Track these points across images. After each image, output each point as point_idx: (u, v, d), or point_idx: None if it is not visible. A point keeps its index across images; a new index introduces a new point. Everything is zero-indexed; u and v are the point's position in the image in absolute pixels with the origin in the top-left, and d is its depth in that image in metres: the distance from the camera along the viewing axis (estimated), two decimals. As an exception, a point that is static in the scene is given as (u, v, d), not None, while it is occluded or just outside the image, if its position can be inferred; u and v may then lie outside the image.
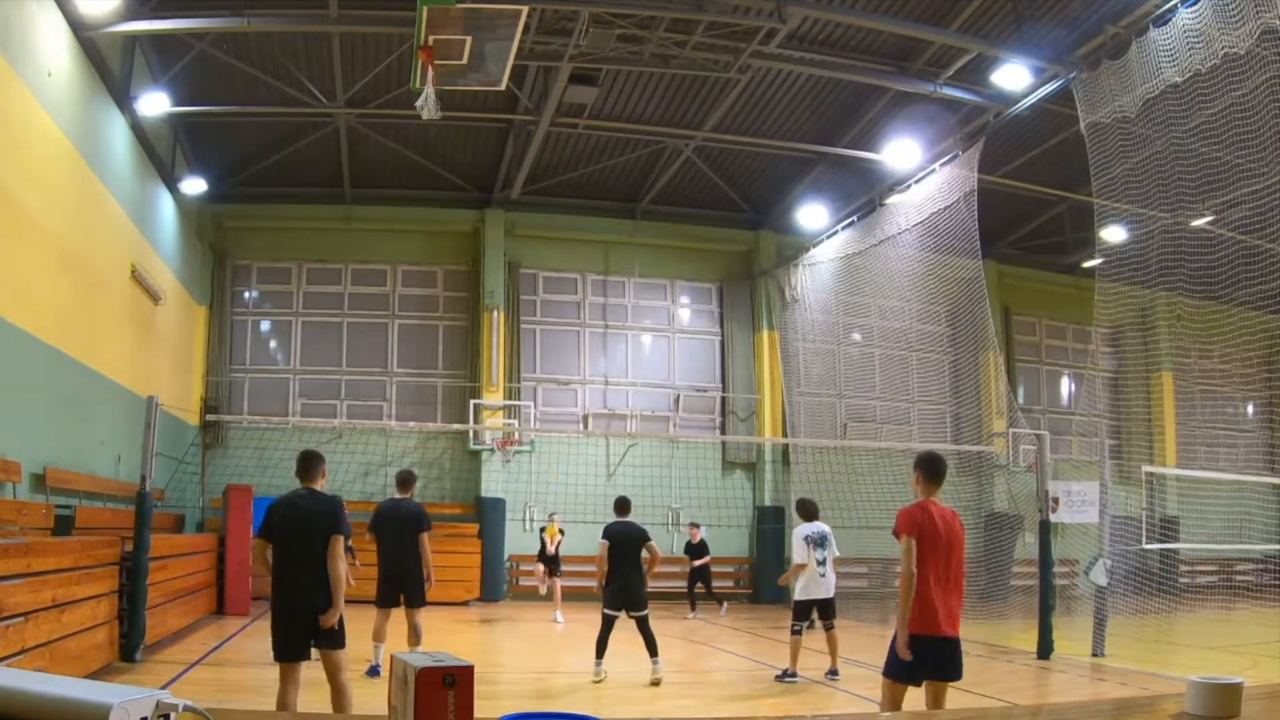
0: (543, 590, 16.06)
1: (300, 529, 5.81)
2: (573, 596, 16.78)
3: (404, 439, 18.48)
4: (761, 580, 19.20)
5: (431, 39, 9.20)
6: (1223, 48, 9.61)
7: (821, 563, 9.54)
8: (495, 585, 17.94)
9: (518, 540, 18.16)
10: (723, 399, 20.29)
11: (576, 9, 12.43)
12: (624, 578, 8.86)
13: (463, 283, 19.75)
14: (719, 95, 15.73)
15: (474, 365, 19.13)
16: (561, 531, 15.82)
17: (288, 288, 19.37)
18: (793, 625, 9.61)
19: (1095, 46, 12.06)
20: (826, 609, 9.65)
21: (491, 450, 18.63)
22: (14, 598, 6.26)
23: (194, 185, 16.59)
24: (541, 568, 15.93)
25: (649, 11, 12.64)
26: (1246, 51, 9.52)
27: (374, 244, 19.40)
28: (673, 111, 16.57)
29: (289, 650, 5.73)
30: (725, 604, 17.01)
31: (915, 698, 5.32)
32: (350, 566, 7.33)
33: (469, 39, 9.29)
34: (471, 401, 18.07)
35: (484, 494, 18.41)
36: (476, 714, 1.56)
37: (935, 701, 5.19)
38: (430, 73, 9.50)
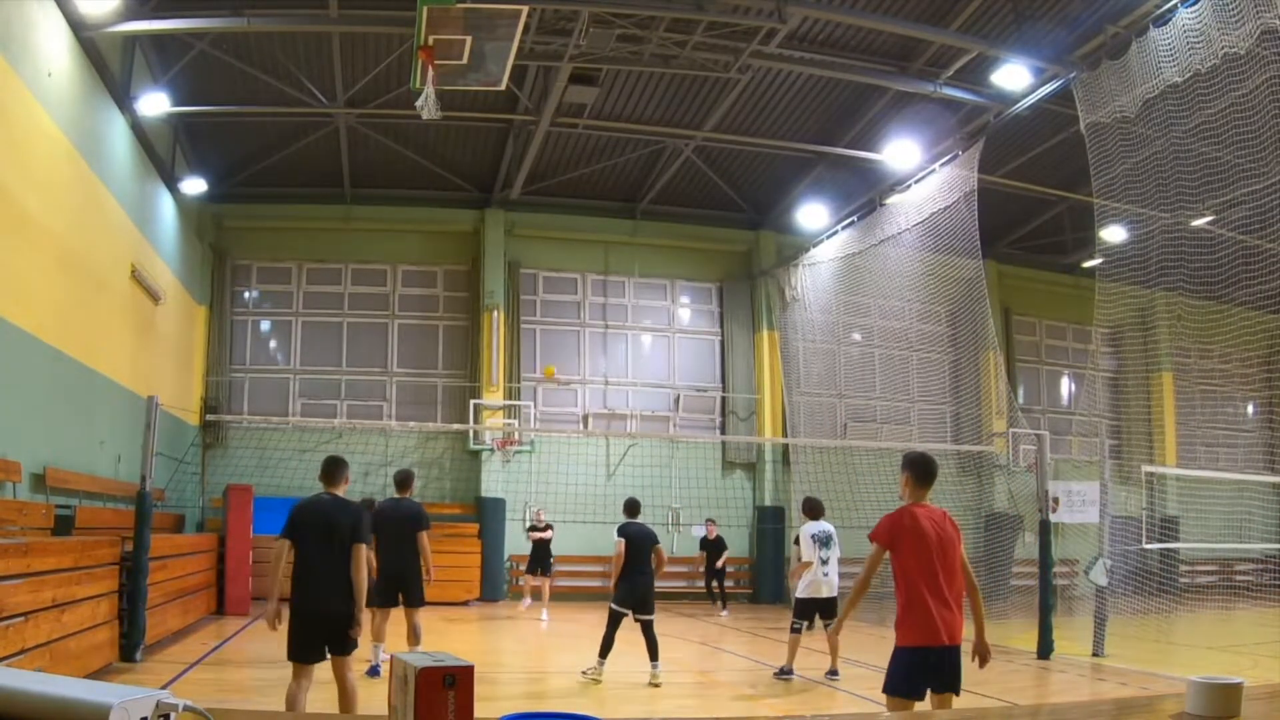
0: (525, 604, 15.74)
1: (323, 532, 5.88)
2: (571, 596, 16.80)
3: (404, 439, 18.48)
4: (761, 580, 19.21)
5: (431, 39, 9.20)
6: (1223, 48, 9.61)
7: (825, 562, 9.56)
8: (495, 585, 17.93)
9: (518, 540, 18.15)
10: (723, 399, 20.29)
11: (576, 9, 12.43)
12: (635, 578, 8.92)
13: (463, 283, 19.75)
14: (719, 95, 15.73)
15: (474, 365, 19.13)
16: (549, 526, 15.72)
17: (288, 288, 19.37)
18: (793, 623, 9.62)
19: (1095, 46, 12.06)
20: (828, 609, 9.65)
21: (491, 450, 18.63)
22: (14, 598, 6.26)
23: (194, 185, 16.59)
24: (530, 579, 15.74)
25: (649, 11, 12.64)
26: (1246, 51, 9.52)
27: (374, 244, 19.40)
28: (673, 111, 16.57)
29: (304, 652, 5.81)
30: (728, 606, 17.03)
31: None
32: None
33: (469, 39, 9.29)
34: (471, 401, 18.07)
35: (484, 494, 18.41)
36: (476, 714, 1.56)
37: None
38: (430, 73, 9.50)
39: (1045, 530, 12.05)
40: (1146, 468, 15.46)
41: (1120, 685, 9.33)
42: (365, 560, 5.98)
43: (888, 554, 4.98)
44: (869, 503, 15.78)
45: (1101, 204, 12.70)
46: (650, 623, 8.89)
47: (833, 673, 9.39)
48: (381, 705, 1.74)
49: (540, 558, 15.57)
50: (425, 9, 8.83)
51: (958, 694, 4.83)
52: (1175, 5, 10.35)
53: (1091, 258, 15.68)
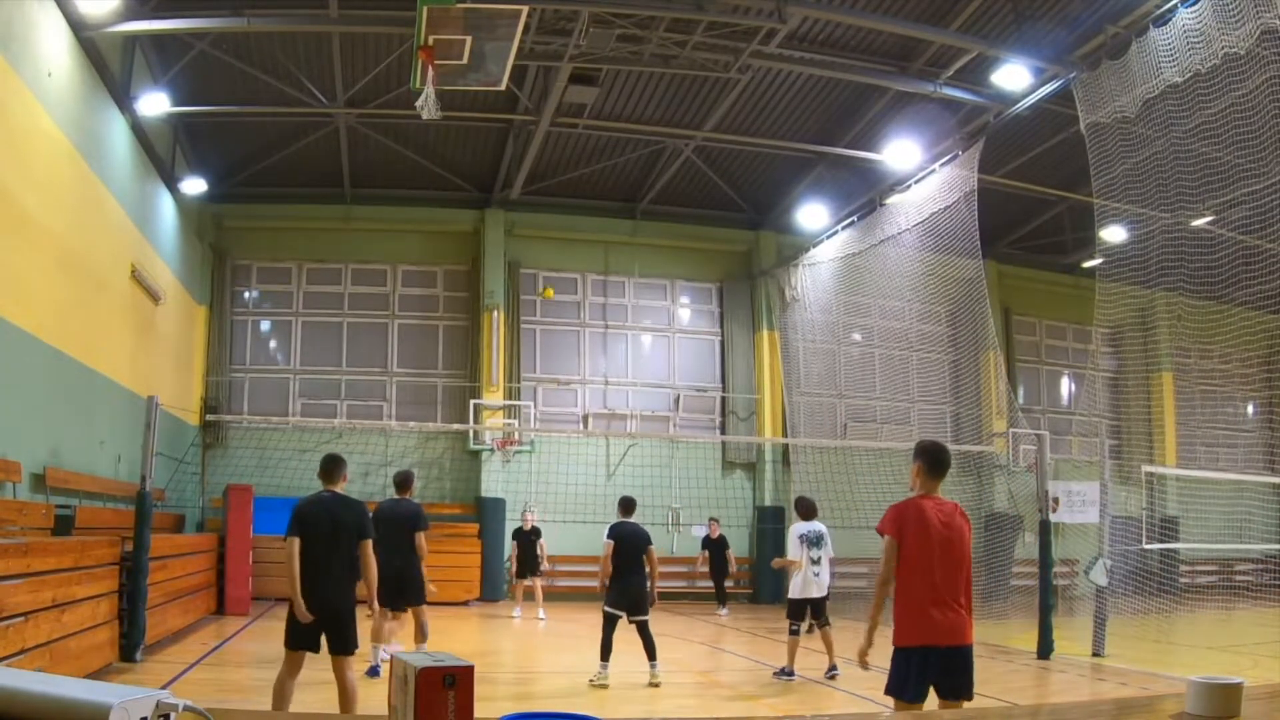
0: (517, 615, 15.50)
1: (327, 529, 6.01)
2: (571, 597, 16.79)
3: (404, 439, 18.48)
4: (761, 580, 19.21)
5: (431, 39, 9.20)
6: (1223, 48, 9.61)
7: (815, 562, 9.54)
8: (495, 585, 17.93)
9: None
10: (723, 399, 20.29)
11: (576, 9, 12.43)
12: (628, 579, 8.85)
13: (463, 283, 19.75)
14: (719, 95, 15.73)
15: (474, 365, 19.13)
16: (536, 530, 15.57)
17: (288, 288, 19.37)
18: (790, 626, 9.61)
19: (1095, 46, 12.06)
20: (819, 608, 9.65)
21: (491, 450, 18.63)
22: (14, 598, 6.26)
23: (194, 185, 16.59)
24: (522, 583, 15.55)
25: (649, 11, 12.64)
26: (1246, 51, 9.52)
27: (374, 244, 19.40)
28: (673, 111, 16.57)
29: (299, 640, 5.92)
30: (726, 605, 17.04)
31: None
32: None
33: (469, 39, 9.29)
34: (471, 401, 18.06)
35: (484, 494, 18.41)
36: (476, 714, 1.56)
37: None
38: (430, 73, 9.50)
39: (1045, 530, 12.05)
40: (1146, 468, 15.45)
41: (1120, 685, 9.33)
42: (372, 556, 6.10)
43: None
44: (869, 503, 15.78)
45: (1101, 204, 12.70)
46: (645, 623, 8.86)
47: (832, 669, 9.39)
48: (381, 705, 1.74)
49: (530, 560, 15.43)
50: (425, 9, 8.83)
51: (970, 699, 4.50)
52: (1175, 5, 10.35)
53: (1091, 258, 15.68)
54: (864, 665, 4.84)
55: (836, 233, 18.28)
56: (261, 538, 14.96)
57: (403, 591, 8.71)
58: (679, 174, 18.79)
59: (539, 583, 15.50)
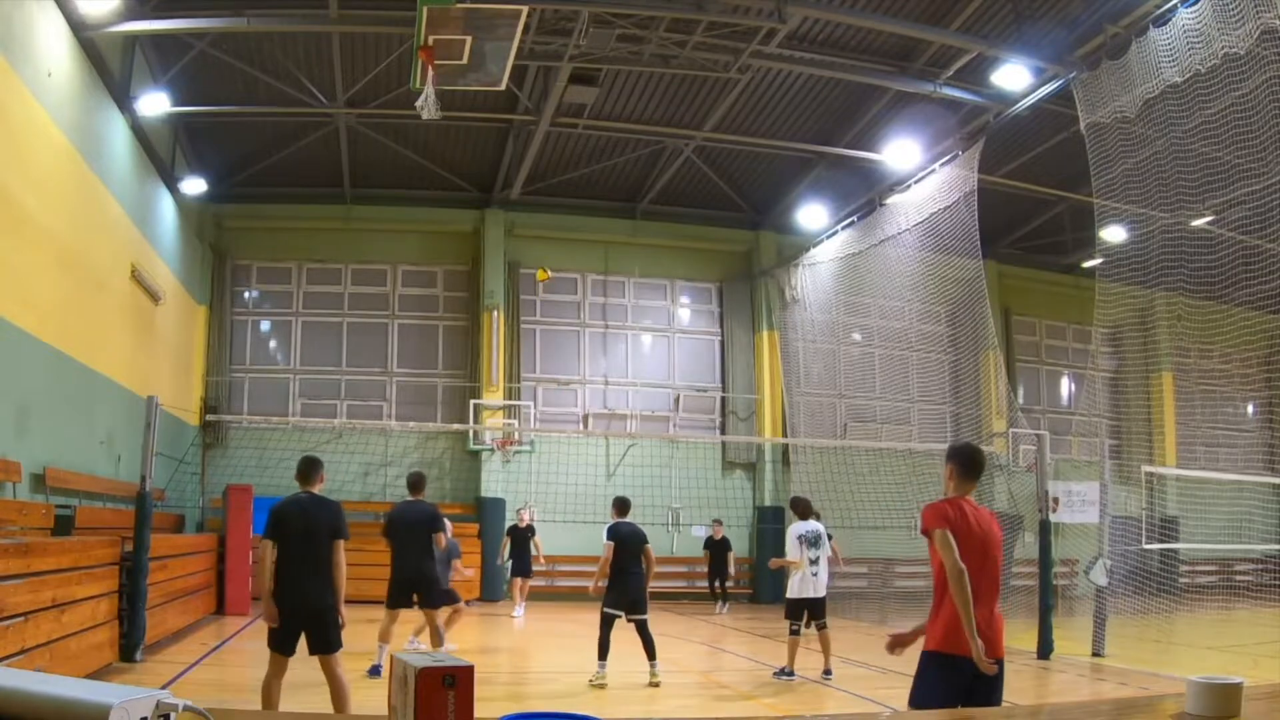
0: (519, 614, 15.51)
1: (303, 530, 6.05)
2: (571, 597, 16.77)
3: (404, 439, 18.48)
4: (761, 580, 19.20)
5: (431, 39, 9.20)
6: (1223, 48, 9.61)
7: (814, 562, 9.53)
8: (495, 585, 17.93)
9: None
10: (723, 399, 20.28)
11: (576, 9, 12.43)
12: (626, 579, 8.85)
13: (463, 283, 19.75)
14: (719, 95, 15.72)
15: (474, 365, 19.13)
16: (531, 528, 15.51)
17: (288, 288, 19.37)
18: (790, 626, 9.62)
19: (1095, 46, 12.06)
20: (817, 609, 9.64)
21: (491, 450, 18.62)
22: (14, 598, 6.26)
23: (194, 185, 16.59)
24: (519, 581, 15.49)
25: (649, 11, 12.64)
26: (1246, 51, 9.52)
27: (374, 244, 19.40)
28: (673, 111, 16.57)
29: (281, 643, 5.98)
30: (727, 604, 17.04)
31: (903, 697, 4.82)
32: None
33: (469, 39, 9.29)
34: (471, 401, 18.06)
35: (484, 494, 18.41)
36: (476, 714, 1.56)
37: None
38: (430, 73, 9.50)
39: (1045, 530, 12.05)
40: (1146, 468, 15.45)
41: (1120, 685, 9.33)
42: (344, 556, 6.12)
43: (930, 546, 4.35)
44: (869, 503, 15.80)
45: (1101, 204, 12.70)
46: (644, 623, 8.86)
47: (827, 672, 9.41)
48: (382, 705, 1.74)
49: (524, 557, 15.39)
50: (425, 9, 8.84)
51: (998, 705, 4.24)
52: (1175, 5, 10.35)
53: (1091, 258, 15.68)
54: (983, 664, 4.20)
55: (836, 233, 18.28)
56: (261, 538, 14.97)
57: (417, 592, 8.71)
58: (679, 174, 18.79)
59: (527, 583, 15.53)
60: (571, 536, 16.85)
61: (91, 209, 11.84)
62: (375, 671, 8.49)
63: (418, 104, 9.68)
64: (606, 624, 8.84)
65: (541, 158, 17.78)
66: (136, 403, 11.52)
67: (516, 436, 18.42)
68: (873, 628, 14.56)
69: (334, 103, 15.29)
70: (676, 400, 20.10)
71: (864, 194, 17.49)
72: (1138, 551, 13.81)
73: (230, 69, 14.40)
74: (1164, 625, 13.85)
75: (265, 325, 19.47)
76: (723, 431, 20.01)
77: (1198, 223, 13.54)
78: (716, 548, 17.25)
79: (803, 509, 9.99)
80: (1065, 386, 23.10)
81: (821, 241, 18.71)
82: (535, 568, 15.84)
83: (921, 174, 15.54)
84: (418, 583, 8.67)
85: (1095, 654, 11.10)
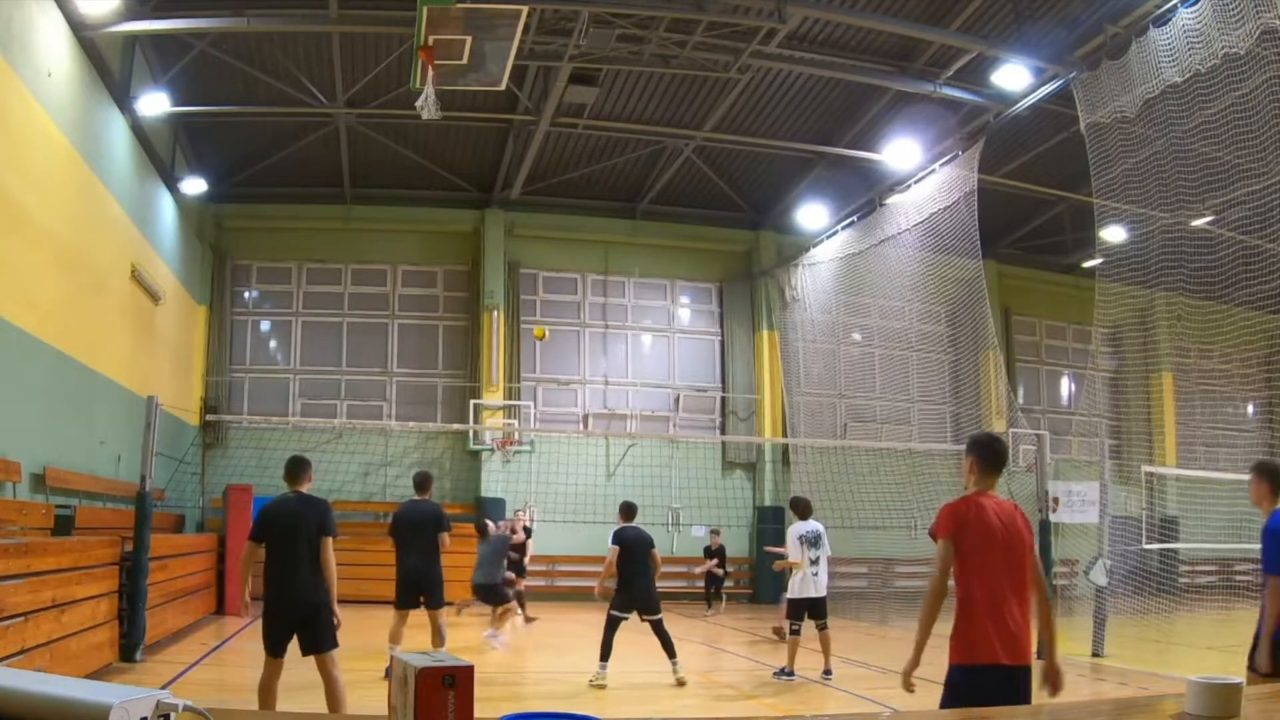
0: (521, 618, 15.43)
1: (289, 530, 6.07)
2: (571, 597, 16.78)
3: (404, 439, 18.48)
4: (761, 580, 19.20)
5: (431, 39, 9.21)
6: (1223, 48, 9.61)
7: (814, 562, 9.56)
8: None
9: (518, 540, 18.14)
10: (723, 399, 20.28)
11: (576, 9, 12.43)
12: (633, 580, 8.94)
13: (463, 283, 19.75)
14: (719, 95, 15.72)
15: (474, 365, 19.13)
16: (528, 530, 15.45)
17: (288, 288, 19.37)
18: (790, 626, 9.63)
19: (1095, 46, 12.06)
20: (818, 609, 9.65)
21: (491, 450, 18.62)
22: (14, 598, 6.27)
23: (194, 185, 16.59)
24: (519, 582, 15.42)
25: (649, 11, 12.64)
26: (1246, 51, 9.52)
27: (374, 244, 19.40)
28: (673, 111, 16.57)
29: (273, 644, 5.99)
30: (717, 606, 17.00)
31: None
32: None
33: (469, 39, 9.30)
34: (471, 401, 18.05)
35: (484, 494, 18.41)
36: (476, 714, 1.56)
37: None
38: (430, 73, 9.50)
39: (1045, 530, 12.04)
40: (1146, 468, 15.45)
41: (1120, 685, 9.33)
42: (333, 553, 6.15)
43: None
44: (869, 503, 15.79)
45: (1101, 204, 12.70)
46: (659, 622, 8.91)
47: (827, 673, 9.41)
48: (383, 705, 1.74)
49: (519, 561, 15.31)
50: (425, 9, 8.84)
51: None
52: (1175, 5, 10.35)
53: (1091, 258, 15.68)
54: (909, 687, 4.14)
55: (836, 233, 18.28)
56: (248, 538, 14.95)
57: (421, 592, 8.71)
58: (679, 174, 18.79)
59: (522, 582, 15.45)
60: (571, 537, 16.85)
61: (91, 209, 11.83)
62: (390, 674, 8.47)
63: (418, 104, 9.69)
64: (611, 626, 8.89)
65: (541, 158, 17.78)
66: (136, 403, 11.52)
67: (516, 436, 18.42)
68: (873, 627, 14.57)
69: (334, 103, 15.28)
70: (676, 400, 20.09)
71: (864, 194, 17.49)
72: (1137, 551, 13.81)
73: (230, 69, 14.40)
74: (1164, 625, 13.85)
75: (265, 325, 19.47)
76: (723, 431, 20.01)
77: (1198, 223, 13.54)
78: (715, 556, 17.15)
79: (803, 509, 10.01)
80: (1065, 386, 23.10)
81: (821, 241, 18.70)
82: (532, 568, 15.79)
83: (921, 174, 15.54)
84: (421, 582, 8.66)
85: (1095, 654, 11.10)
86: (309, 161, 17.97)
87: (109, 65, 12.20)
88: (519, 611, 13.76)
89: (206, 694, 7.62)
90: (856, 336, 20.30)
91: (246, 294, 19.34)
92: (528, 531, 15.46)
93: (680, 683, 8.76)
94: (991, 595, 3.94)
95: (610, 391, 19.93)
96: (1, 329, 9.10)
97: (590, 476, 17.65)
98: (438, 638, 8.73)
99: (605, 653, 8.82)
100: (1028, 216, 20.24)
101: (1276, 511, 5.84)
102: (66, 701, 1.37)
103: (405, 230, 19.49)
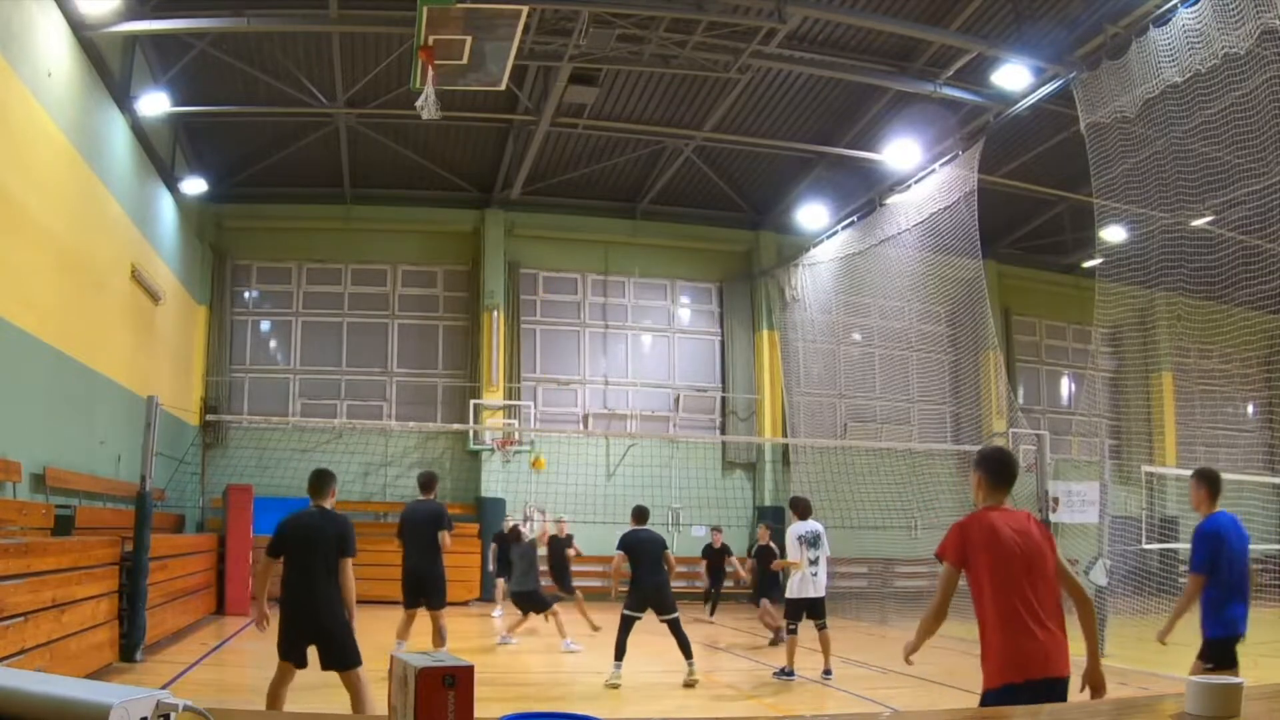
0: (498, 611, 15.17)
1: (307, 548, 5.91)
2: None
3: (404, 439, 18.48)
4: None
5: (431, 39, 9.21)
6: (1223, 48, 9.61)
7: (814, 562, 9.57)
8: (495, 585, 17.90)
9: (518, 540, 18.13)
10: (723, 399, 20.28)
11: (576, 9, 12.43)
12: (643, 580, 8.99)
13: (463, 283, 19.75)
14: (719, 95, 15.72)
15: (474, 365, 19.13)
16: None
17: (288, 288, 19.37)
18: (788, 625, 9.65)
19: (1095, 46, 12.07)
20: (817, 609, 9.67)
21: (491, 450, 18.62)
22: (14, 598, 6.26)
23: (194, 185, 16.59)
24: (503, 582, 15.29)
25: (649, 11, 12.64)
26: (1246, 51, 9.52)
27: (374, 244, 19.40)
28: (673, 111, 16.57)
29: (289, 652, 5.87)
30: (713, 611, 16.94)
31: (909, 697, 4.99)
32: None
33: (469, 39, 9.29)
34: (471, 401, 18.06)
35: (484, 494, 18.41)
36: (476, 714, 1.56)
37: None
38: (430, 73, 9.50)
39: (1045, 530, 12.02)
40: (1146, 468, 15.44)
41: (1120, 685, 9.30)
42: (352, 573, 5.98)
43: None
44: (868, 503, 15.79)
45: (1101, 204, 12.70)
46: (675, 621, 8.94)
47: (826, 673, 9.42)
48: (383, 705, 1.74)
49: (506, 560, 15.20)
50: (425, 9, 8.84)
51: None
52: (1175, 5, 10.35)
53: (1091, 258, 15.67)
54: (910, 660, 4.17)
55: (836, 233, 18.28)
56: (262, 538, 14.86)
57: (423, 593, 8.72)
58: (679, 174, 18.79)
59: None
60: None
61: (91, 209, 11.83)
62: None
63: (418, 104, 9.69)
64: (625, 626, 8.94)
65: (541, 158, 17.78)
66: (136, 403, 11.52)
67: (516, 436, 18.42)
68: (873, 627, 14.57)
69: (334, 103, 15.28)
70: (676, 400, 20.10)
71: (864, 194, 17.49)
72: (1137, 551, 13.81)
73: (230, 69, 14.40)
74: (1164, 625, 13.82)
75: (265, 325, 19.47)
76: (723, 431, 20.01)
77: (1198, 223, 13.53)
78: (715, 555, 17.07)
79: (802, 509, 10.02)
80: (1065, 386, 23.10)
81: (821, 241, 18.70)
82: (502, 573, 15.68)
83: (921, 174, 15.54)
84: (423, 582, 8.68)
85: (1095, 654, 11.07)
86: (309, 161, 17.97)
87: (109, 65, 12.20)
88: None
89: (206, 694, 7.62)
90: (856, 336, 20.30)
91: (246, 294, 19.34)
92: (516, 535, 15.06)
93: (691, 684, 8.77)
94: (1015, 612, 3.77)
95: (610, 391, 19.93)
96: (1, 329, 9.10)
97: (590, 476, 17.65)
98: (438, 638, 8.74)
99: (619, 652, 8.84)
100: (1028, 216, 20.24)
101: (1211, 515, 6.34)
102: (66, 701, 1.37)
103: (405, 230, 19.50)
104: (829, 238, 18.50)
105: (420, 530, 8.74)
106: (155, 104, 13.64)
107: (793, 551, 9.66)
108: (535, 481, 18.17)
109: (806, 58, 14.25)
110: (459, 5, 8.88)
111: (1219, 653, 6.28)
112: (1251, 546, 6.37)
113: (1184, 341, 17.50)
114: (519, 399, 18.76)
